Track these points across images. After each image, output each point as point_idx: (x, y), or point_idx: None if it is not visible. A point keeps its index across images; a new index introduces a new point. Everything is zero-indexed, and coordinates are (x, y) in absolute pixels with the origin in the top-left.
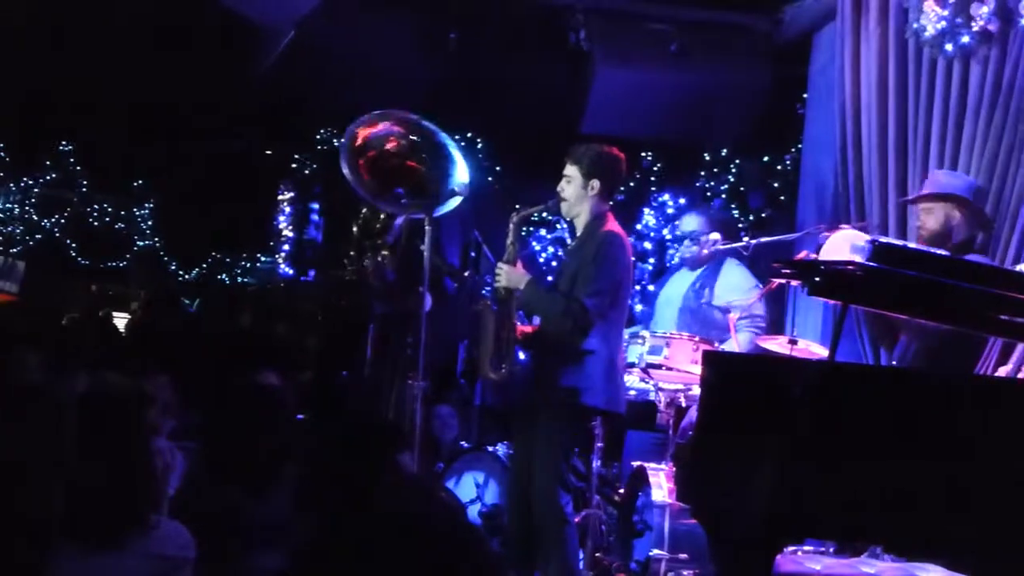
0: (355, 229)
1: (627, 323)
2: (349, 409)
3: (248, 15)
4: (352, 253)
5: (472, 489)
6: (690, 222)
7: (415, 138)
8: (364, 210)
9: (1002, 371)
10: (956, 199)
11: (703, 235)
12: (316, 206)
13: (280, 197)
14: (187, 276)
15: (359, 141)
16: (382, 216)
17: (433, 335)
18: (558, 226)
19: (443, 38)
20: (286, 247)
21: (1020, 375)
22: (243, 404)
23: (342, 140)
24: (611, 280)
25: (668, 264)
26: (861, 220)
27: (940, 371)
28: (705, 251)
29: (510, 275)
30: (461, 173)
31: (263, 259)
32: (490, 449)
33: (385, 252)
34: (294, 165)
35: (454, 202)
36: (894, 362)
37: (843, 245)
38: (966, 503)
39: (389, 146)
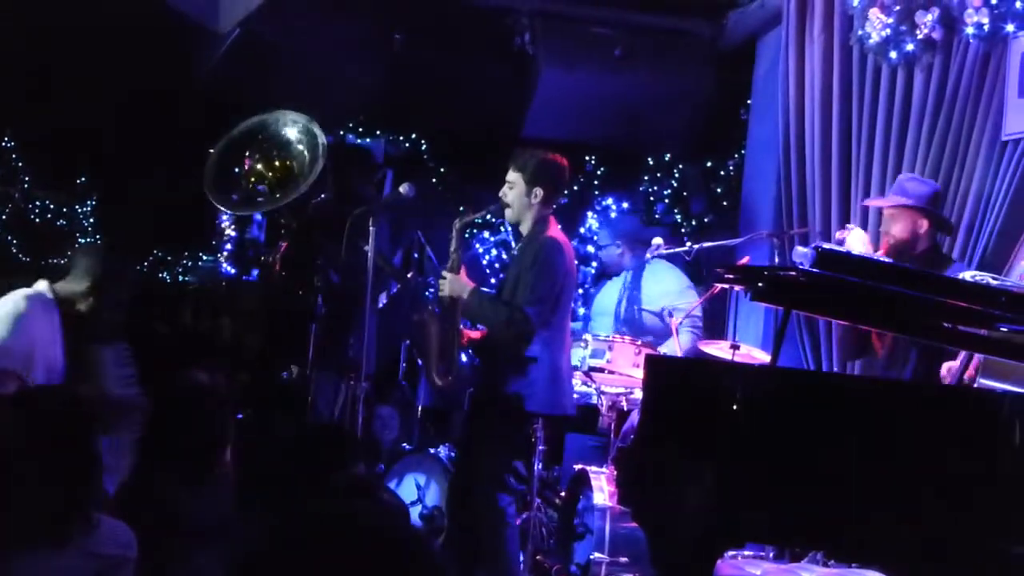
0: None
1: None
2: (294, 411)
3: (192, 15)
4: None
5: (413, 491)
6: (602, 233)
7: (258, 143)
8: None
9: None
10: (922, 210)
11: (610, 246)
12: None
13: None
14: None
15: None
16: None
17: (375, 336)
18: (502, 228)
19: (388, 40)
20: (228, 246)
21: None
22: (175, 401)
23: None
24: (551, 287)
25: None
26: (803, 226)
27: (879, 377)
28: (617, 260)
29: (453, 284)
30: (310, 148)
31: (205, 258)
32: (431, 451)
33: (283, 244)
34: None
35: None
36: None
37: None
38: (905, 508)
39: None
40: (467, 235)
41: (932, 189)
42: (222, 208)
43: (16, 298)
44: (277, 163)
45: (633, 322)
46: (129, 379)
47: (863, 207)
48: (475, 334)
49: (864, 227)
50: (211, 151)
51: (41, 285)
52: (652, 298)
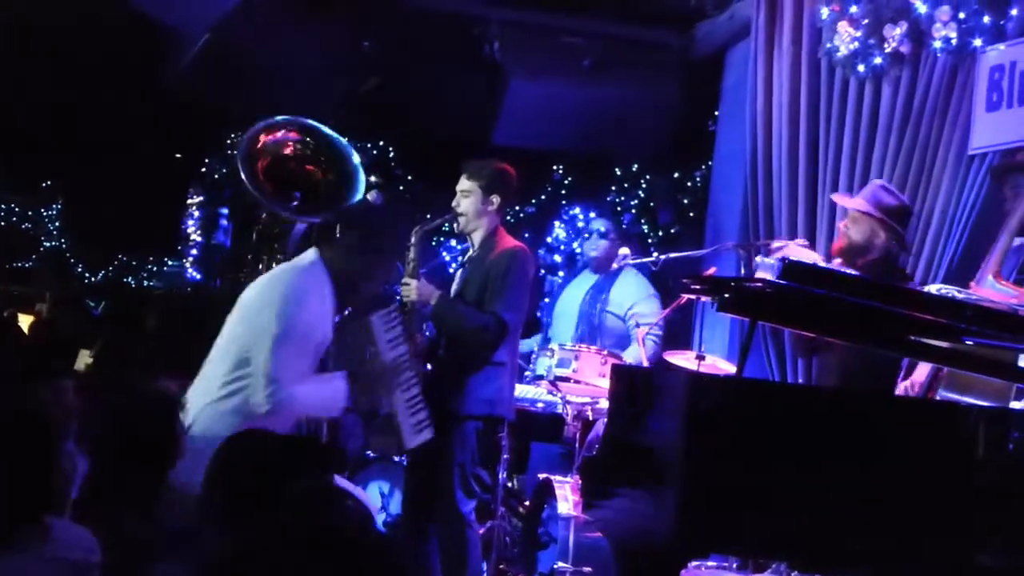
0: (255, 235)
1: (532, 335)
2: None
3: (162, 18)
4: (250, 258)
5: (377, 499)
6: (600, 223)
7: (311, 142)
8: (264, 215)
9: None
10: (885, 223)
11: (611, 234)
12: (225, 211)
13: (189, 201)
14: (93, 278)
15: (259, 145)
16: (282, 223)
17: (339, 344)
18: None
19: (357, 47)
20: (194, 251)
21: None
22: (136, 409)
23: (240, 142)
24: (523, 295)
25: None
26: (769, 238)
27: (846, 389)
28: (608, 254)
29: (421, 290)
30: (360, 181)
31: (170, 263)
32: (395, 459)
33: (280, 258)
34: (204, 169)
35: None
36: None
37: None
38: (870, 520)
39: (286, 151)
40: (432, 243)
41: (901, 204)
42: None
43: (293, 272)
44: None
45: (594, 323)
46: (396, 340)
47: (831, 204)
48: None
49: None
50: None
51: (311, 255)
52: (617, 301)
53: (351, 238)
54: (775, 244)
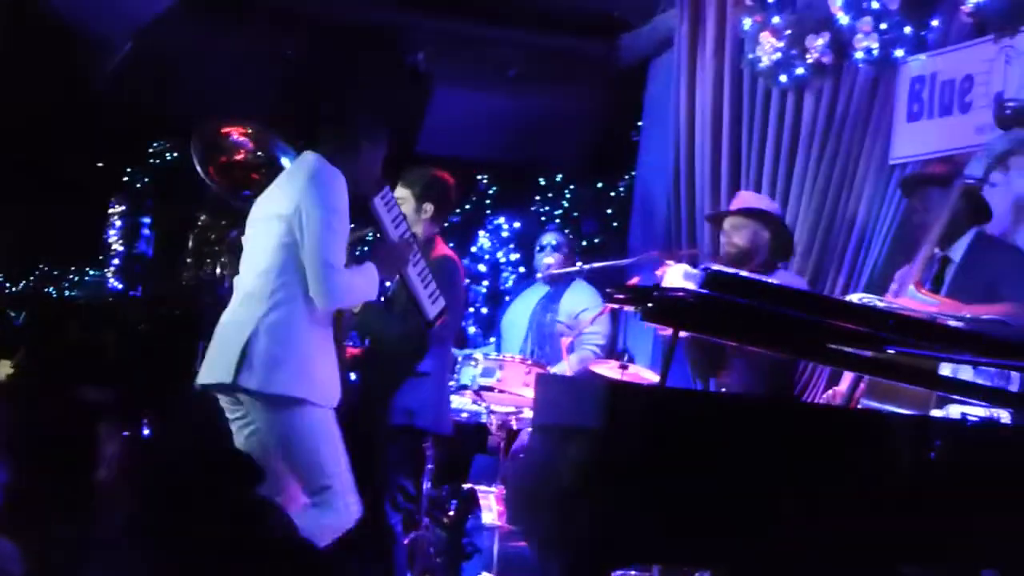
0: (191, 237)
1: (460, 345)
2: (184, 429)
3: (85, 25)
4: (189, 260)
5: None
6: (551, 236)
7: (262, 156)
8: (203, 217)
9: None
10: (767, 217)
11: (564, 246)
12: (147, 220)
13: (111, 210)
14: (14, 289)
15: (219, 135)
16: (222, 223)
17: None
18: None
19: (281, 55)
20: (116, 261)
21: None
22: (58, 418)
23: (201, 126)
24: (450, 304)
25: (502, 287)
26: (692, 247)
27: (767, 398)
28: (561, 266)
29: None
30: None
31: (92, 272)
32: None
33: (224, 260)
34: (126, 178)
35: None
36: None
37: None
38: (790, 528)
39: (238, 157)
40: (358, 252)
41: (774, 206)
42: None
43: (311, 165)
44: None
45: (547, 332)
46: (398, 219)
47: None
48: (356, 350)
49: None
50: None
51: (310, 157)
52: (566, 311)
53: (340, 134)
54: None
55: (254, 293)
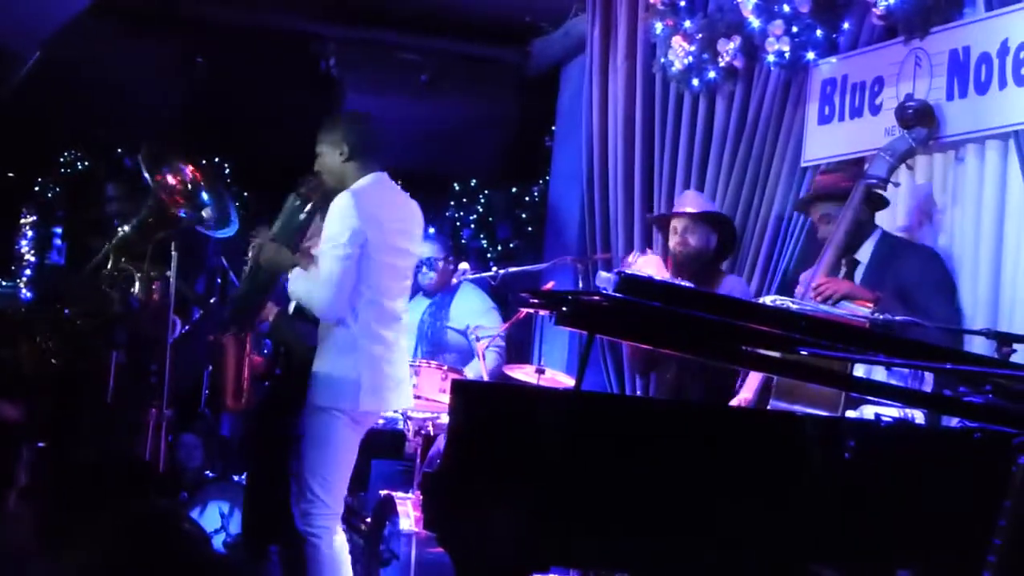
0: (111, 248)
1: None
2: (92, 440)
3: None
4: (105, 272)
5: (217, 519)
6: (425, 248)
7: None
8: (125, 229)
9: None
10: (718, 219)
11: (439, 260)
12: (59, 230)
13: (22, 221)
14: None
15: (167, 152)
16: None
17: (177, 363)
18: None
19: (191, 63)
20: (28, 272)
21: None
22: None
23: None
24: None
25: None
26: (606, 251)
27: (683, 401)
28: (443, 278)
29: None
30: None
31: (3, 283)
32: (235, 479)
33: (154, 274)
34: (36, 188)
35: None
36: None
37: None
38: (707, 531)
39: (173, 180)
40: None
41: (715, 207)
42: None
43: None
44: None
45: (437, 340)
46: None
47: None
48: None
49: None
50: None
51: None
52: (457, 317)
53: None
54: (630, 258)
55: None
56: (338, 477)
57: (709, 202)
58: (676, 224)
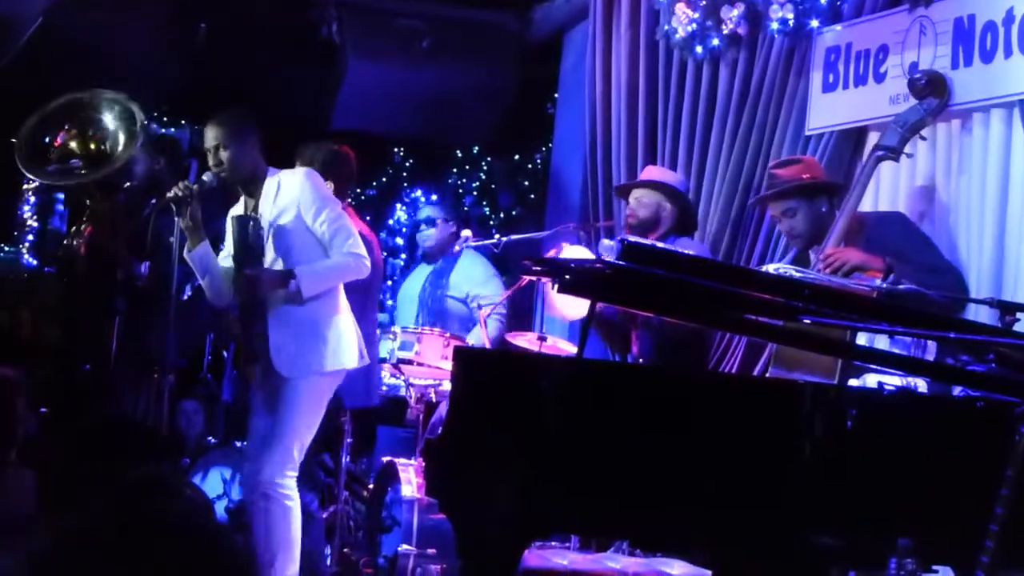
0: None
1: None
2: (94, 406)
3: None
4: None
5: (219, 485)
6: (425, 210)
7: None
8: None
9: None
10: (669, 190)
11: (438, 219)
12: (61, 196)
13: (24, 187)
14: None
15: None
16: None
17: (178, 330)
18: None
19: (192, 29)
20: (30, 237)
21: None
22: None
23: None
24: (369, 279)
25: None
26: (609, 219)
27: (684, 369)
28: (441, 236)
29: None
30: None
31: (6, 249)
32: (237, 444)
33: (87, 228)
34: None
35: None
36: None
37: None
38: (707, 498)
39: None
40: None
41: (680, 180)
42: (35, 177)
43: None
44: (92, 141)
45: (437, 308)
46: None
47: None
48: None
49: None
50: (24, 124)
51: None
52: (457, 285)
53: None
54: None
55: None
56: (310, 439)
57: (673, 176)
58: (631, 196)
